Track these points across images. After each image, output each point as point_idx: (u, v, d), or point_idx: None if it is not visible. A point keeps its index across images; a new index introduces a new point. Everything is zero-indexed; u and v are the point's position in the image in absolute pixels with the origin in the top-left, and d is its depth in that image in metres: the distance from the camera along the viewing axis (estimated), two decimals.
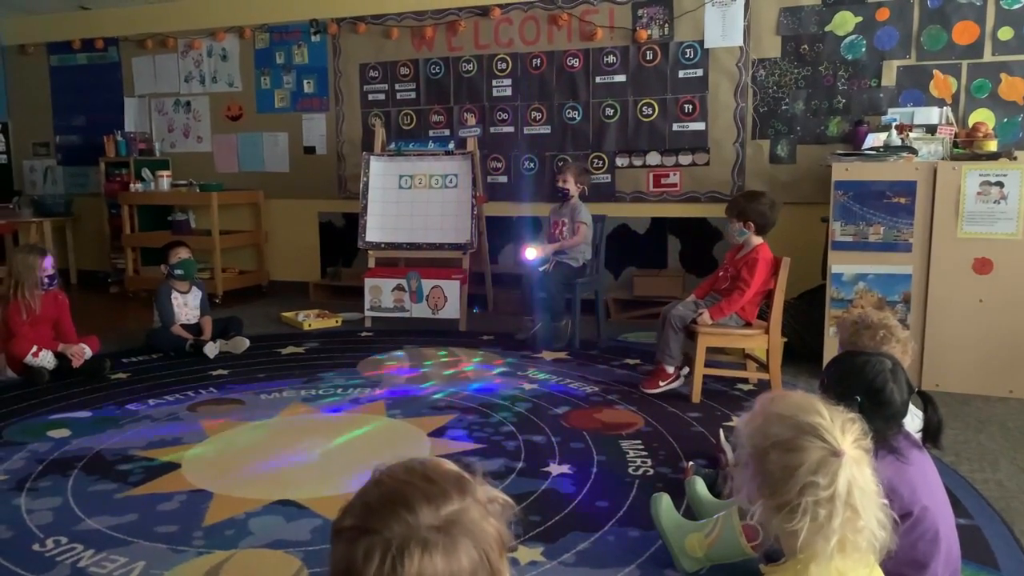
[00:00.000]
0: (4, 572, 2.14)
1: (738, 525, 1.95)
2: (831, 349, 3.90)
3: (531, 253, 4.84)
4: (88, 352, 4.19)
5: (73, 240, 7.61)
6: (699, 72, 5.56)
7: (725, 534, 1.98)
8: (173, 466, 2.91)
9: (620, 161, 5.84)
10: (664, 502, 2.21)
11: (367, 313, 5.47)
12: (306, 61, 6.70)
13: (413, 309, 5.38)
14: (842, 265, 4.00)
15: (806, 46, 5.24)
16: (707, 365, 3.70)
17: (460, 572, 0.82)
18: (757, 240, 3.75)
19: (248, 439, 3.24)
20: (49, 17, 7.46)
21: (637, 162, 5.81)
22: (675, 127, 5.67)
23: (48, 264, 4.22)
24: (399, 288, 5.39)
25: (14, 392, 3.88)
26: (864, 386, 1.72)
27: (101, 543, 2.31)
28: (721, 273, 3.90)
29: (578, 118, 5.92)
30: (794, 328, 4.30)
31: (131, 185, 6.85)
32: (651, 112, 5.72)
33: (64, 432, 3.28)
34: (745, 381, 3.94)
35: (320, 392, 3.87)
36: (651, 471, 2.84)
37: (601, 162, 5.89)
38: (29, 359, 4.01)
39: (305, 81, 6.73)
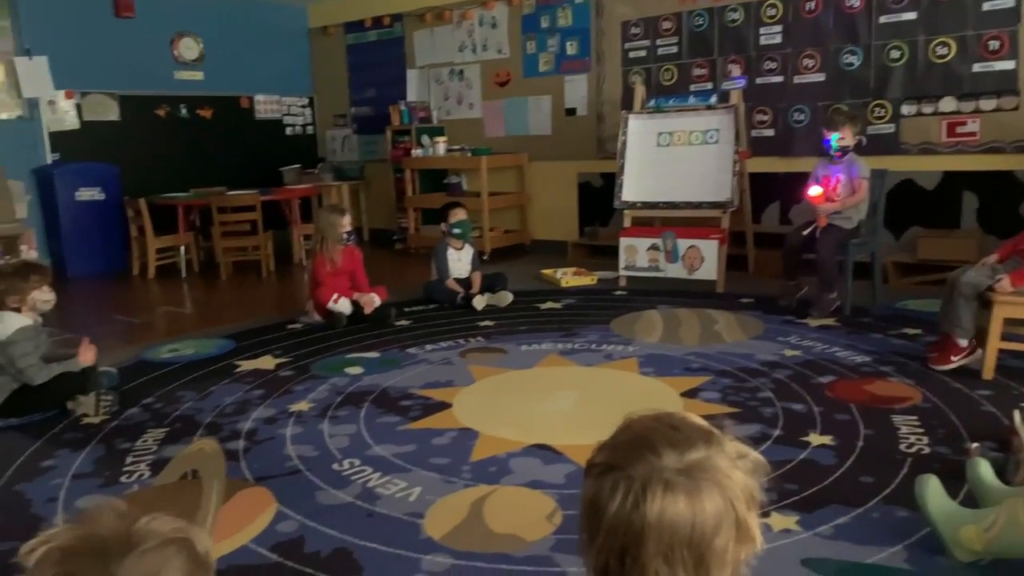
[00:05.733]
0: (312, 485, 2.53)
1: None
2: None
3: (815, 191, 4.43)
4: (377, 301, 4.71)
5: (365, 201, 8.56)
6: (1009, 2, 4.80)
7: (1009, 532, 1.76)
8: (445, 405, 3.21)
9: (906, 109, 5.26)
10: (932, 486, 2.00)
11: (622, 272, 5.53)
12: (570, 23, 6.82)
13: (668, 269, 5.34)
14: None
15: None
16: (1004, 338, 3.26)
17: (704, 516, 0.83)
18: None
19: (510, 386, 3.48)
20: None
21: (927, 109, 5.19)
22: (976, 68, 4.97)
23: (346, 222, 4.79)
24: (654, 248, 5.37)
25: (319, 333, 4.48)
26: None
27: (386, 468, 2.63)
28: None
29: (857, 63, 5.42)
30: None
31: (412, 151, 7.50)
32: (946, 52, 5.06)
33: (358, 370, 3.75)
34: None
35: (575, 346, 4.01)
36: (927, 450, 2.59)
37: (883, 111, 5.35)
38: (331, 305, 4.61)
39: (568, 43, 6.87)
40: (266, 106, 8.51)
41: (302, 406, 3.26)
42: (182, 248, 6.81)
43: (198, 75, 7.93)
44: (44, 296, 3.30)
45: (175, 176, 7.51)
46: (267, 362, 3.91)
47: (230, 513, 2.31)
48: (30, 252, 6.07)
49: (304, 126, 8.90)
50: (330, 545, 2.13)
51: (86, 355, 3.36)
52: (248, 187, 7.43)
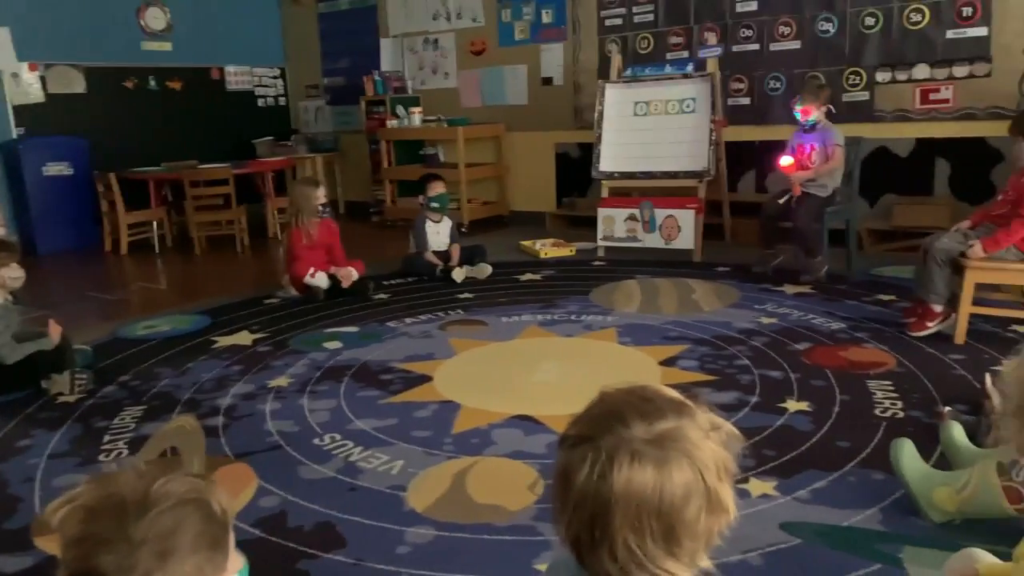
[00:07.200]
0: (293, 460, 2.52)
1: (997, 485, 1.76)
2: None
3: (786, 161, 4.51)
4: (355, 274, 4.67)
5: (340, 174, 8.45)
6: None
7: (981, 494, 1.80)
8: (426, 378, 3.21)
9: (881, 76, 5.28)
10: (906, 449, 2.04)
11: (600, 243, 5.54)
12: None
13: (645, 239, 5.36)
14: None
15: None
16: (977, 303, 3.32)
17: (671, 486, 0.83)
18: None
19: (491, 357, 3.48)
20: None
21: (901, 76, 5.21)
22: (949, 35, 4.99)
23: (321, 194, 4.73)
24: (632, 218, 5.38)
25: (297, 308, 4.45)
26: None
27: (368, 442, 2.63)
28: (1000, 198, 3.43)
29: (832, 30, 5.41)
30: None
31: (387, 122, 7.40)
32: (920, 19, 5.08)
33: (337, 344, 3.73)
34: (1021, 322, 3.48)
35: (555, 318, 4.02)
36: (901, 414, 2.64)
37: (858, 78, 5.36)
38: (307, 279, 4.57)
39: (544, 11, 6.79)
40: (237, 77, 8.35)
41: (281, 381, 3.25)
42: (155, 223, 6.70)
43: (166, 46, 7.74)
44: (13, 273, 3.24)
45: (146, 149, 7.35)
46: (244, 338, 3.88)
47: None
48: None
49: (276, 97, 8.75)
50: (313, 519, 2.14)
51: (53, 332, 3.30)
52: (220, 160, 7.31)
